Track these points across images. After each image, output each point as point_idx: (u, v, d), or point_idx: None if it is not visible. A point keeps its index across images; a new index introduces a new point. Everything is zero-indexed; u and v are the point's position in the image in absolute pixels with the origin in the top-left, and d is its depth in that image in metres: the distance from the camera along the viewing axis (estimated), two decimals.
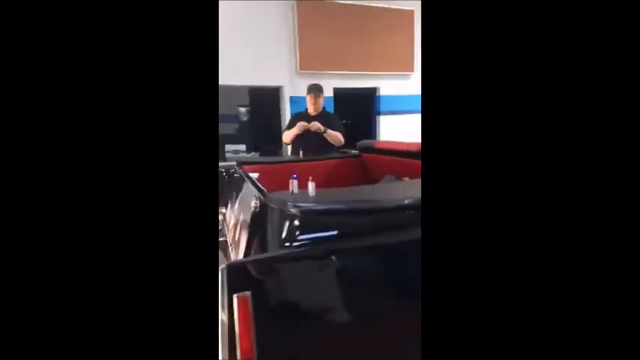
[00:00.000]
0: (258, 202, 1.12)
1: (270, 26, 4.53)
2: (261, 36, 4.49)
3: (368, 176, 2.29)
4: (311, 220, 0.90)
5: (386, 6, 4.99)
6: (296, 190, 1.18)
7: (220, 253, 1.91)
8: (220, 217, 2.17)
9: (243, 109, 5.91)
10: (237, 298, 0.71)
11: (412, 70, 5.37)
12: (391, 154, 1.96)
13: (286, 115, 4.64)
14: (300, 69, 4.68)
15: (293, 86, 4.69)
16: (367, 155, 2.29)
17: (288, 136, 2.57)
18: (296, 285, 0.79)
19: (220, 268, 0.74)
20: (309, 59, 4.68)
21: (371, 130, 5.58)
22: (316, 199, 1.10)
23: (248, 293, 0.72)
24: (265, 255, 0.89)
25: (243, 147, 4.93)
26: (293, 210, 0.90)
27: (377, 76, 5.24)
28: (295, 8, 4.55)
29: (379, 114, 5.50)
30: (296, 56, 4.67)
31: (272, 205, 0.98)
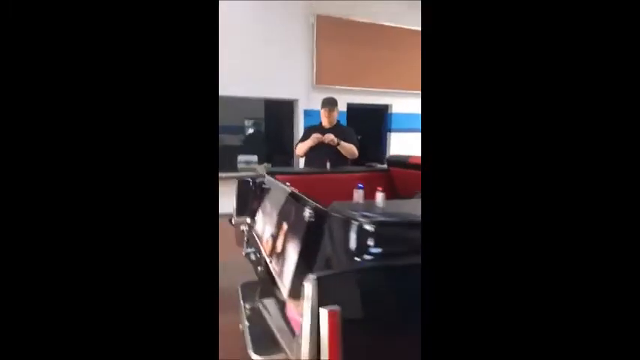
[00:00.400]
0: (313, 212, 1.09)
1: (289, 41, 4.59)
2: (281, 50, 4.54)
3: (395, 191, 2.26)
4: (385, 232, 0.87)
5: (402, 26, 5.07)
6: (361, 201, 1.14)
7: (250, 265, 1.86)
8: (245, 228, 2.12)
9: (248, 122, 5.92)
10: (328, 313, 0.67)
11: None
12: None
13: (300, 128, 4.64)
14: (316, 83, 4.72)
15: (308, 100, 4.72)
16: (396, 170, 2.27)
17: (301, 148, 2.54)
18: (382, 298, 0.75)
19: (309, 279, 0.70)
20: (325, 74, 4.72)
21: (381, 147, 5.59)
22: (386, 211, 1.07)
23: (338, 308, 0.68)
24: (353, 267, 0.84)
25: (254, 158, 4.90)
26: (363, 219, 0.86)
27: (390, 94, 5.29)
28: (315, 24, 4.62)
29: (390, 131, 5.53)
30: (313, 71, 4.71)
31: (339, 216, 0.94)
